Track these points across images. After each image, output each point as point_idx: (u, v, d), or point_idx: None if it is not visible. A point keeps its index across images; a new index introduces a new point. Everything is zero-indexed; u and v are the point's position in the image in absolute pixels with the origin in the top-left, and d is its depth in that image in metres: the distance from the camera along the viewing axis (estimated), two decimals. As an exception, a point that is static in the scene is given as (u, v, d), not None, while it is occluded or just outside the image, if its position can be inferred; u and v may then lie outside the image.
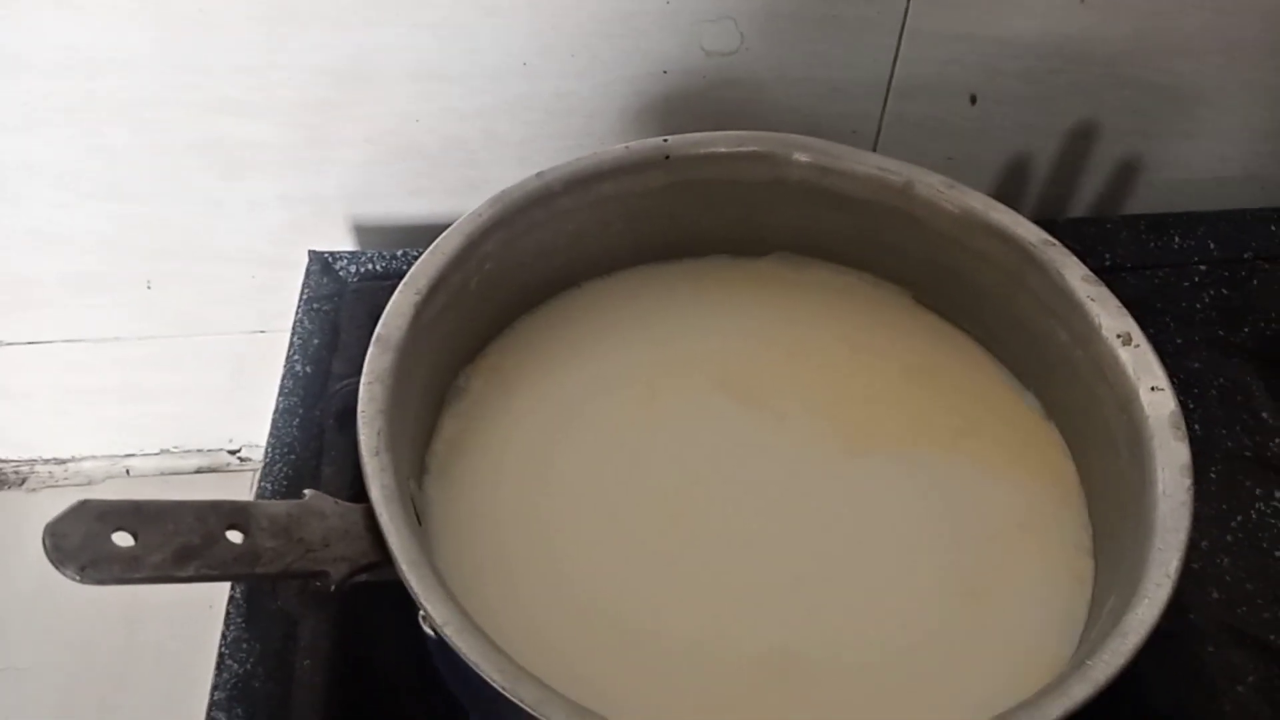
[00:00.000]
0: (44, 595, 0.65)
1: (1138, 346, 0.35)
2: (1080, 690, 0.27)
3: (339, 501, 0.30)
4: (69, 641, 0.65)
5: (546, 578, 0.34)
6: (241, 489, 0.71)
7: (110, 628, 0.64)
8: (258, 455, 0.73)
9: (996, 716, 0.27)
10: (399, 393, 0.34)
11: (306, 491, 0.30)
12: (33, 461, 0.71)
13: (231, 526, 0.28)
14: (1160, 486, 0.31)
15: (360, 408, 0.32)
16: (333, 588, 0.29)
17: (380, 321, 0.35)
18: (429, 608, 0.28)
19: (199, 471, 0.73)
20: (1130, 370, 0.34)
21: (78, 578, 0.25)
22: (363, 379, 0.33)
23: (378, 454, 0.31)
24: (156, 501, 0.27)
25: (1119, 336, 0.35)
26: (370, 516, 0.30)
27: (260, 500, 0.28)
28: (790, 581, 0.35)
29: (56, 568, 0.25)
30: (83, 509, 0.25)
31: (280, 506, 0.29)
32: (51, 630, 0.65)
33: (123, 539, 0.26)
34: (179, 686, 0.61)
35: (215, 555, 0.27)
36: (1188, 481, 0.31)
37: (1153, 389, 0.34)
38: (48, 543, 0.25)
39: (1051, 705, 0.27)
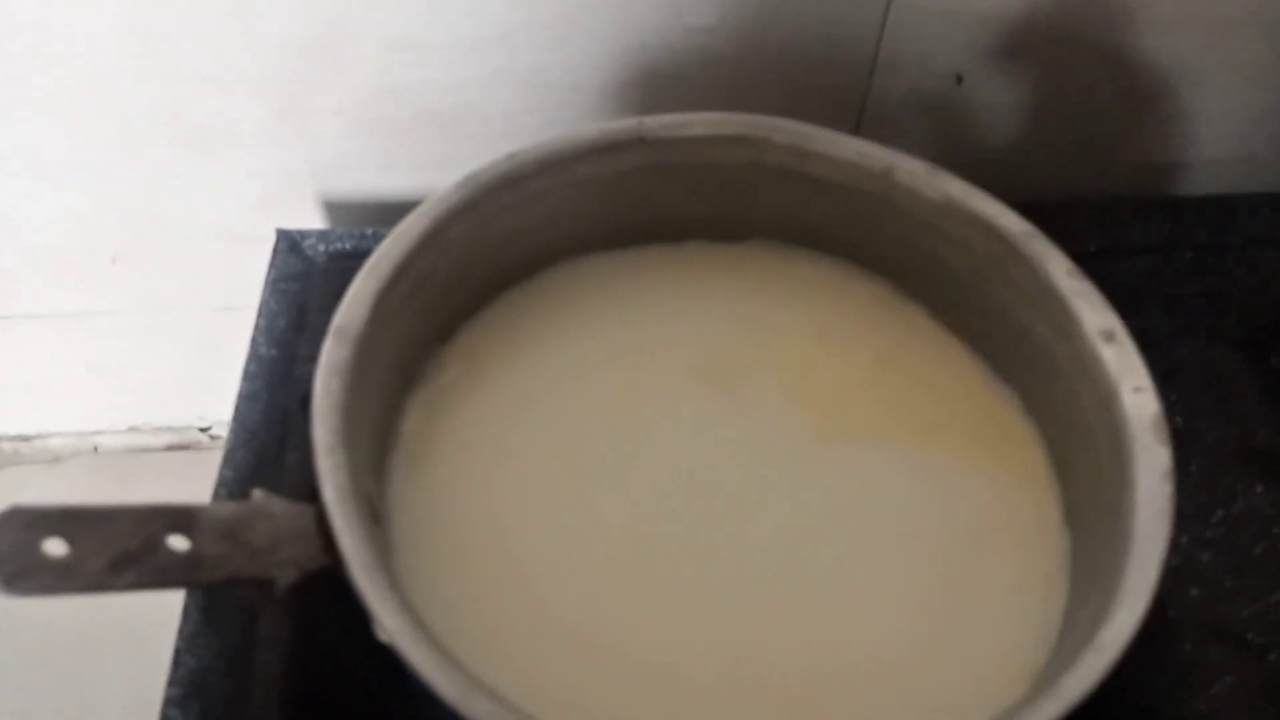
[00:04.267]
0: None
1: (1121, 344, 0.34)
2: (1052, 708, 0.26)
3: (290, 502, 0.29)
4: (34, 617, 0.64)
5: (508, 580, 0.34)
6: (211, 467, 0.70)
7: (76, 606, 0.63)
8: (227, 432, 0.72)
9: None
10: (358, 386, 0.33)
11: (255, 492, 0.29)
12: (-3, 437, 0.70)
13: (174, 531, 0.27)
14: (1140, 492, 0.31)
15: (315, 403, 0.31)
16: (280, 595, 0.28)
17: (338, 311, 0.34)
18: (381, 616, 0.27)
19: (169, 449, 0.71)
20: (1112, 369, 0.33)
21: (4, 589, 0.23)
22: (318, 373, 0.32)
23: (332, 452, 0.30)
24: (94, 506, 0.25)
25: (1101, 333, 0.34)
26: (322, 518, 0.29)
27: (206, 504, 0.27)
28: (753, 581, 0.34)
29: (-17, 578, 0.23)
30: (12, 516, 0.24)
31: (226, 509, 0.28)
32: (16, 605, 0.64)
33: (56, 546, 0.25)
34: (143, 669, 0.61)
35: (155, 562, 0.26)
36: (1169, 488, 0.30)
37: (1135, 389, 0.33)
38: (-26, 552, 0.24)
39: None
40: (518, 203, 0.39)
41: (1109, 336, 0.34)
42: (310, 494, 0.40)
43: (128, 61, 0.48)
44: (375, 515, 0.32)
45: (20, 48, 0.47)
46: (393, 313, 0.35)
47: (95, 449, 0.71)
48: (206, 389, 0.68)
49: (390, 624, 0.26)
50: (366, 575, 0.27)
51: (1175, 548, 0.42)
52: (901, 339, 0.41)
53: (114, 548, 0.25)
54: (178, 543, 0.26)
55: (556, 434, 0.38)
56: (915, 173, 0.38)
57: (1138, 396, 0.32)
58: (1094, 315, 0.34)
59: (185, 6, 0.46)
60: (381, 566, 0.28)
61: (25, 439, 0.70)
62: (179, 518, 0.27)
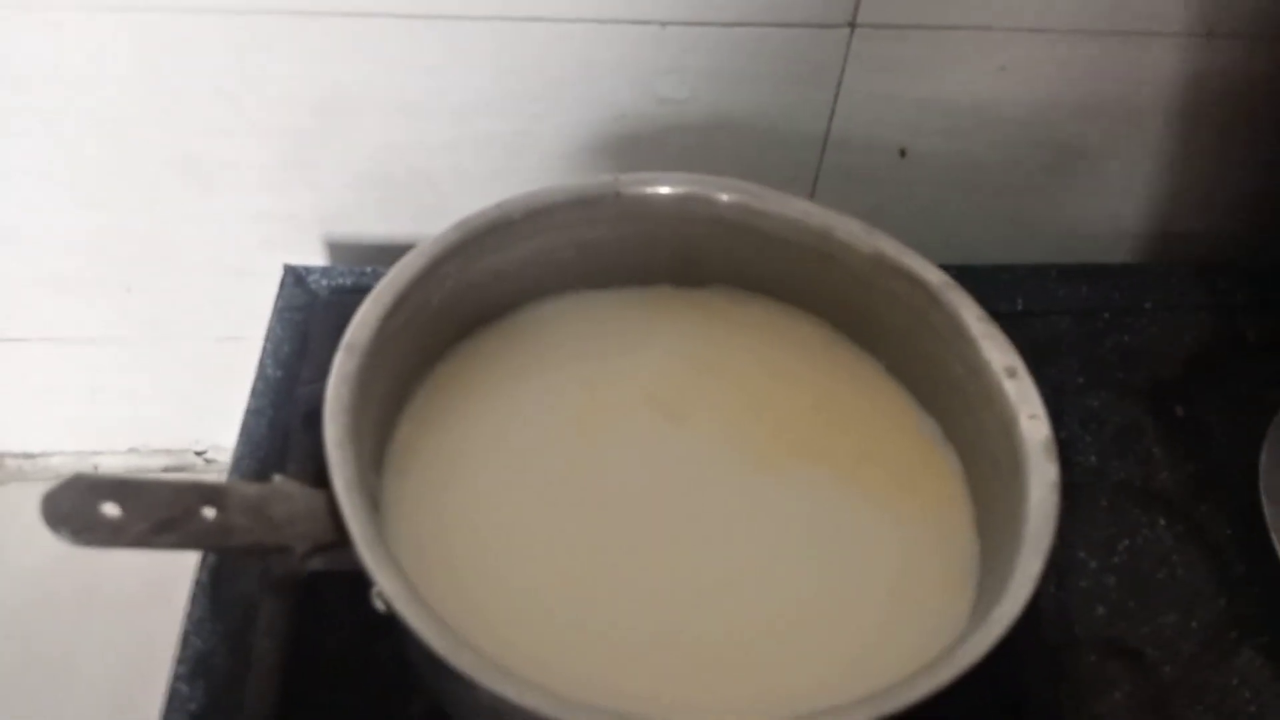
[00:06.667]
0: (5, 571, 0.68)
1: (1020, 379, 0.39)
2: (946, 672, 0.31)
3: (304, 486, 0.34)
4: (31, 615, 0.67)
5: (486, 566, 0.38)
6: (204, 490, 0.74)
7: (70, 605, 0.67)
8: (223, 457, 0.76)
9: (871, 693, 0.31)
10: (362, 395, 0.37)
11: (275, 477, 0.34)
12: (2, 455, 0.74)
13: (207, 504, 0.31)
14: (1031, 501, 0.36)
15: (327, 405, 0.36)
16: (296, 562, 0.32)
17: (348, 330, 0.39)
18: (381, 581, 0.31)
19: (165, 470, 0.75)
20: (1013, 399, 0.39)
21: (71, 540, 0.28)
22: (330, 381, 0.36)
23: (341, 446, 0.35)
24: (140, 478, 0.30)
25: (1005, 369, 0.39)
26: (332, 502, 0.33)
27: (234, 482, 0.32)
28: (688, 574, 0.39)
29: (51, 530, 0.28)
30: (76, 481, 0.29)
31: (251, 488, 0.32)
32: (15, 602, 0.67)
33: (110, 509, 0.29)
34: (136, 662, 0.64)
35: (192, 527, 0.30)
36: (1055, 497, 0.35)
37: (1031, 416, 0.38)
38: (45, 509, 0.28)
39: (920, 684, 0.31)
40: (504, 246, 0.45)
41: (1011, 373, 0.39)
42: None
43: (148, 108, 0.54)
44: (375, 504, 0.37)
45: (45, 88, 0.52)
46: (393, 335, 0.40)
47: (95, 468, 0.74)
48: (204, 415, 0.72)
49: (389, 589, 0.31)
50: (369, 549, 0.32)
51: (1084, 571, 0.48)
52: (840, 376, 0.46)
53: (157, 513, 0.30)
54: (210, 513, 0.31)
55: (523, 448, 0.43)
56: (853, 231, 0.44)
57: (1033, 422, 0.38)
58: (999, 354, 0.40)
59: (197, 60, 0.52)
60: (380, 542, 0.33)
61: (30, 457, 0.74)
62: (211, 492, 0.31)
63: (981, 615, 0.34)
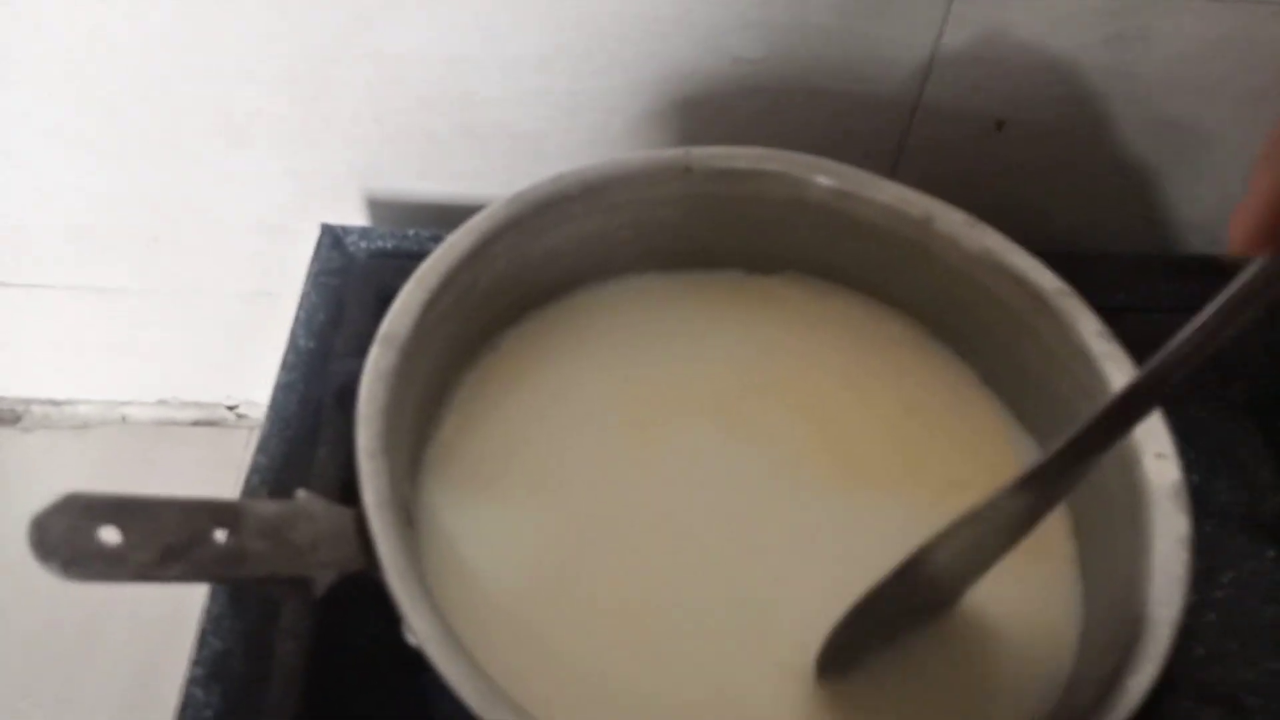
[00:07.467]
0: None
1: (1146, 409, 0.34)
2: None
3: (330, 504, 0.30)
4: (50, 585, 0.65)
5: (531, 590, 0.35)
6: (237, 445, 0.71)
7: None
8: (255, 413, 0.73)
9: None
10: (400, 392, 0.33)
11: (299, 491, 0.30)
12: (29, 401, 0.71)
13: (219, 525, 0.27)
14: (1156, 557, 0.31)
15: (360, 408, 0.32)
16: (317, 595, 0.28)
17: (386, 319, 0.34)
18: (414, 622, 0.28)
19: (195, 424, 0.72)
20: (1136, 433, 0.34)
21: (61, 573, 0.24)
22: (364, 378, 0.33)
23: (374, 457, 0.31)
24: (144, 497, 0.26)
25: (1128, 397, 0.34)
26: (360, 521, 0.30)
27: (251, 500, 0.28)
28: (755, 604, 0.35)
29: (40, 562, 0.24)
30: (70, 502, 0.25)
31: (270, 507, 0.29)
32: (36, 574, 0.65)
33: (110, 534, 0.26)
34: (154, 651, 0.62)
35: (201, 555, 0.26)
36: (1185, 555, 0.31)
37: (1158, 455, 0.33)
38: (33, 536, 0.25)
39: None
40: (559, 223, 0.40)
41: (1134, 401, 0.34)
42: (341, 487, 0.41)
43: (176, 57, 0.50)
44: (409, 519, 0.33)
45: (79, 39, 0.49)
46: (436, 322, 0.36)
47: (124, 419, 0.72)
48: (236, 369, 0.69)
49: (421, 630, 0.27)
50: (401, 581, 0.28)
51: (1182, 606, 0.44)
52: (928, 384, 0.41)
53: (163, 539, 0.26)
54: (222, 537, 0.27)
55: (575, 456, 0.38)
56: (955, 222, 0.39)
57: (1160, 463, 0.33)
58: (1122, 379, 0.35)
59: (230, 11, 0.47)
60: (415, 573, 0.29)
61: (56, 404, 0.71)
62: (225, 513, 0.27)
63: (1095, 690, 0.30)
